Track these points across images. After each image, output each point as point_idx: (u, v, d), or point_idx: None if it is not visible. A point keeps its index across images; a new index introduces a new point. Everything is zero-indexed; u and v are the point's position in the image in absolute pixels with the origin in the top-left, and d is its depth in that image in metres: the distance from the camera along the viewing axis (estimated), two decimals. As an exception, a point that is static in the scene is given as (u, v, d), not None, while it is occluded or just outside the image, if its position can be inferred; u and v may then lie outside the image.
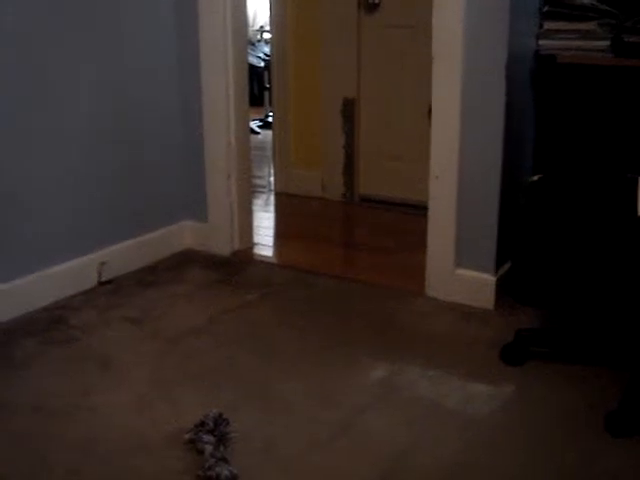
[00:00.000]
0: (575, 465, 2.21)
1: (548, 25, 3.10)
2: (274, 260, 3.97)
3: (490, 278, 3.20)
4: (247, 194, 3.97)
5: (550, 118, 3.17)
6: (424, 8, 3.32)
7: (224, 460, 2.14)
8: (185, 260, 3.81)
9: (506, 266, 3.29)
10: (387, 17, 4.52)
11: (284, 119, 5.01)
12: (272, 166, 5.26)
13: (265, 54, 7.69)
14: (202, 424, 2.27)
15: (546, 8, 3.07)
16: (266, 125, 7.12)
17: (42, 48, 3.10)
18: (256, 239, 4.07)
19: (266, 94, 7.50)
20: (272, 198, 5.09)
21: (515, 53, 3.04)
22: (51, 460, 2.23)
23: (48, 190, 3.22)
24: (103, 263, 3.45)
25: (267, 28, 7.47)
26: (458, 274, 3.25)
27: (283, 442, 2.31)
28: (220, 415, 2.30)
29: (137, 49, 3.54)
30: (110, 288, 3.43)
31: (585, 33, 3.02)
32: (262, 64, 7.76)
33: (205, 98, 3.73)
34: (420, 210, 3.65)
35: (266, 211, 4.86)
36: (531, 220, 2.81)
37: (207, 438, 2.21)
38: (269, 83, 5.83)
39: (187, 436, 2.27)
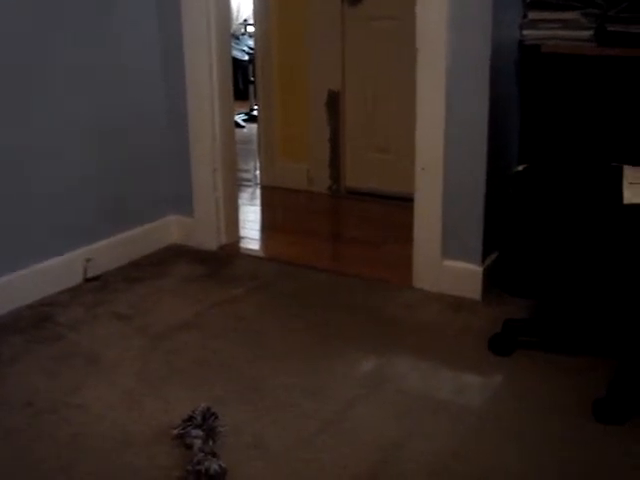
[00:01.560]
0: (566, 453, 2.21)
1: (532, 15, 3.11)
2: (261, 254, 3.97)
3: (477, 269, 3.20)
4: (233, 188, 3.96)
5: (535, 108, 3.17)
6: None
7: (213, 454, 2.13)
8: (171, 255, 3.79)
9: (493, 256, 3.29)
10: (371, 9, 4.51)
11: (269, 112, 5.00)
12: (258, 160, 5.26)
13: (249, 47, 7.66)
14: (190, 419, 2.26)
15: (529, -2, 3.07)
16: (251, 119, 7.11)
17: (32, 48, 3.08)
18: (242, 233, 4.06)
19: (251, 87, 7.49)
20: (258, 192, 5.08)
21: (499, 43, 3.04)
22: (39, 457, 2.22)
23: (33, 187, 3.20)
24: (89, 259, 3.44)
25: (251, 21, 7.45)
26: (445, 265, 3.25)
27: (272, 436, 2.30)
28: (208, 409, 2.29)
29: (120, 45, 3.51)
30: (96, 284, 3.41)
31: (569, 23, 3.02)
32: (246, 58, 7.74)
33: (189, 92, 3.71)
34: (406, 202, 3.65)
35: (252, 205, 4.85)
36: (517, 210, 2.81)
37: (196, 433, 2.21)
38: (254, 76, 5.82)
39: (175, 431, 2.26)
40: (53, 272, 3.30)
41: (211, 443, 2.19)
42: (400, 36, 4.22)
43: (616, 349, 2.62)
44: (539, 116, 3.16)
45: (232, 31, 6.74)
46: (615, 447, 2.24)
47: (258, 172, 5.23)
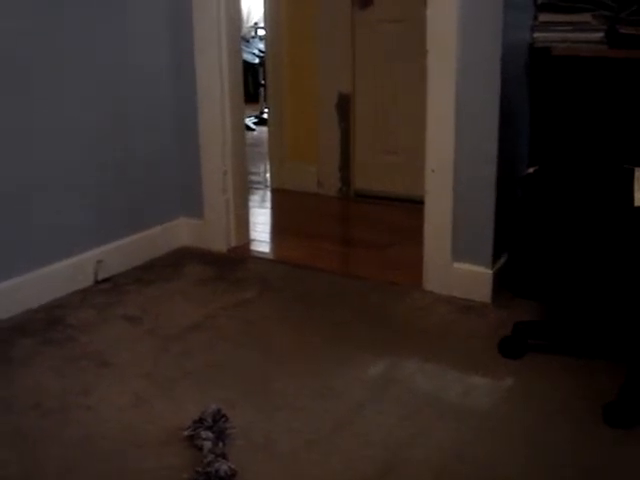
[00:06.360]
0: (575, 456, 2.21)
1: (542, 17, 3.09)
2: (271, 256, 3.97)
3: (487, 271, 3.19)
4: (243, 190, 3.97)
5: (545, 110, 3.16)
6: (417, 2, 3.31)
7: (223, 456, 2.13)
8: (182, 257, 3.80)
9: (503, 259, 3.29)
10: (380, 12, 4.51)
11: (279, 115, 5.01)
12: (268, 162, 5.26)
13: (260, 50, 7.67)
14: (200, 420, 2.27)
15: (540, 0, 3.06)
16: (261, 121, 7.12)
17: (39, 47, 3.10)
18: (252, 235, 4.07)
19: (261, 90, 7.50)
20: (268, 194, 5.09)
21: (509, 46, 3.04)
22: (49, 458, 2.23)
23: (44, 189, 3.21)
24: (100, 261, 3.45)
25: (261, 24, 7.46)
26: (455, 268, 3.25)
27: (282, 438, 2.30)
28: (218, 411, 2.29)
29: (131, 47, 3.53)
30: (107, 286, 3.42)
31: (580, 25, 3.01)
32: (257, 60, 7.75)
33: (200, 95, 3.73)
34: (416, 204, 3.65)
35: (262, 207, 4.86)
36: (527, 212, 2.81)
37: (206, 434, 2.21)
38: (264, 79, 5.82)
39: (186, 433, 2.26)
40: (64, 274, 3.31)
41: (221, 445, 2.19)
42: (410, 39, 4.22)
43: (626, 352, 2.61)
44: (549, 118, 3.15)
45: (242, 34, 6.75)
46: (625, 450, 2.23)
47: (268, 175, 5.24)
